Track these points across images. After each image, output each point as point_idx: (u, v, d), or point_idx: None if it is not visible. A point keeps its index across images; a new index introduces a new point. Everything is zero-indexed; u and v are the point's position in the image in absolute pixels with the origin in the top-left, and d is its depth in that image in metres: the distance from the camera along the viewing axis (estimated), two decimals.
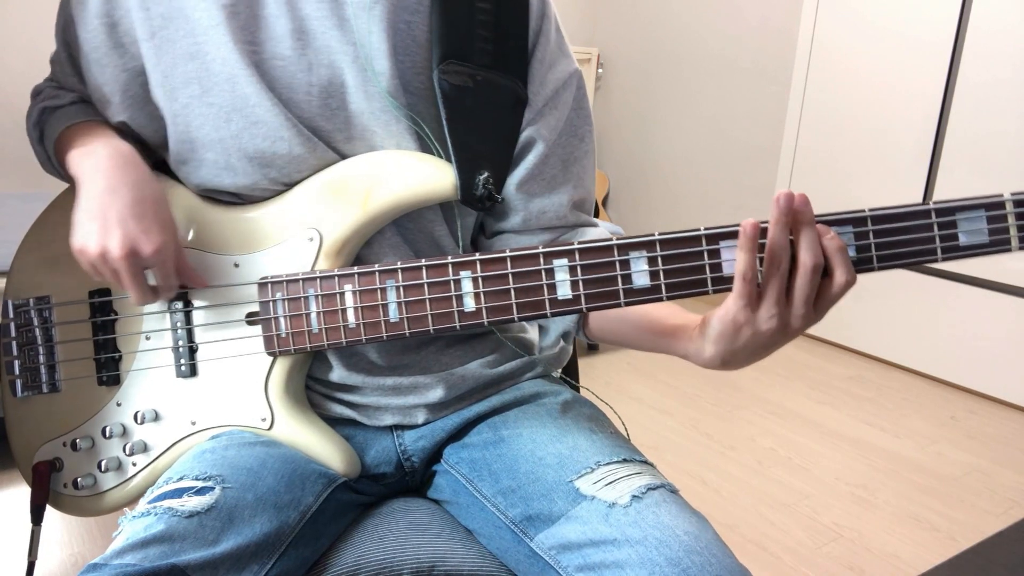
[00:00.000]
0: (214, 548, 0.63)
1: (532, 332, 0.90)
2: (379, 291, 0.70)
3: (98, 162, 0.72)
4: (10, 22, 2.45)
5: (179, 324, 0.77)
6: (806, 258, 0.58)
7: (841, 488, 1.93)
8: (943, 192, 2.61)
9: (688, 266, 0.63)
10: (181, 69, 0.74)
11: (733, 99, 3.29)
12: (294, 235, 0.76)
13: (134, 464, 0.79)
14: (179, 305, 0.77)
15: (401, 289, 0.70)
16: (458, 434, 0.82)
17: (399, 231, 0.79)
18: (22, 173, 2.47)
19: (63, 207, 0.82)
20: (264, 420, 0.77)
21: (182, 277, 0.74)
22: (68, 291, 0.80)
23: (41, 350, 0.80)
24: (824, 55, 2.90)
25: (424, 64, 0.76)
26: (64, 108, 0.81)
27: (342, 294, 0.72)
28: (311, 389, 0.81)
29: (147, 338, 0.79)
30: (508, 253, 0.66)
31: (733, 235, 0.61)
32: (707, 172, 3.45)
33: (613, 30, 3.80)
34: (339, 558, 0.72)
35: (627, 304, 0.65)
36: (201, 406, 0.78)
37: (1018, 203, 0.58)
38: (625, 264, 0.64)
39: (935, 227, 0.59)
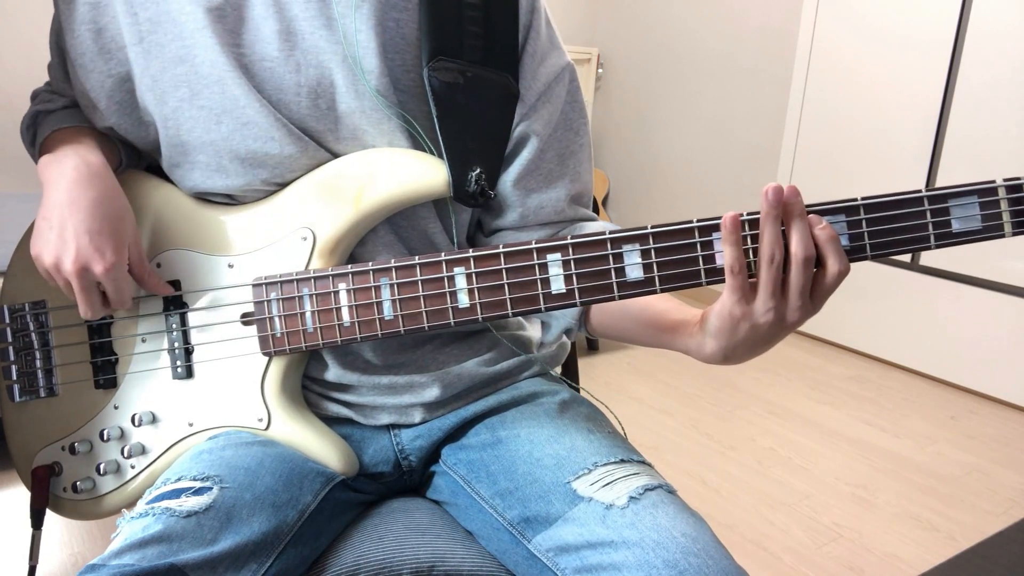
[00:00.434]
0: (212, 547, 0.63)
1: (530, 330, 0.90)
2: (373, 289, 0.70)
3: (63, 172, 0.73)
4: (10, 23, 2.45)
5: (175, 326, 0.77)
6: (797, 250, 0.58)
7: (841, 488, 1.93)
8: None
9: (681, 258, 0.63)
10: (170, 73, 0.74)
11: (733, 99, 3.29)
12: (287, 235, 0.76)
13: (132, 467, 0.79)
14: (174, 307, 0.77)
15: (395, 287, 0.70)
16: (456, 434, 0.82)
17: (393, 229, 0.79)
18: (22, 173, 2.47)
19: None
20: (261, 420, 0.77)
21: (146, 286, 0.76)
22: (64, 295, 0.80)
23: (38, 354, 0.80)
24: (824, 55, 2.90)
25: (413, 62, 0.76)
26: (55, 113, 0.82)
27: (336, 293, 0.72)
28: (307, 388, 0.81)
29: (143, 340, 0.79)
30: (501, 249, 0.67)
31: None
32: (707, 172, 3.45)
33: (613, 30, 3.80)
34: (338, 558, 0.72)
35: (621, 297, 0.65)
36: (198, 407, 0.78)
37: (1011, 189, 0.58)
38: (618, 257, 0.64)
39: (928, 214, 0.59)
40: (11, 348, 0.80)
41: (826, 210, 0.60)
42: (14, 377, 0.80)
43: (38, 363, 0.80)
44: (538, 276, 0.66)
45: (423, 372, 0.81)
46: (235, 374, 0.77)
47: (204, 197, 0.79)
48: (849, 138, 2.85)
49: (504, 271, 0.67)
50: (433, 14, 0.75)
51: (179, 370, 0.78)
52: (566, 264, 0.65)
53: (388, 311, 0.70)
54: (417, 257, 0.69)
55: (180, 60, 0.74)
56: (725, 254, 0.59)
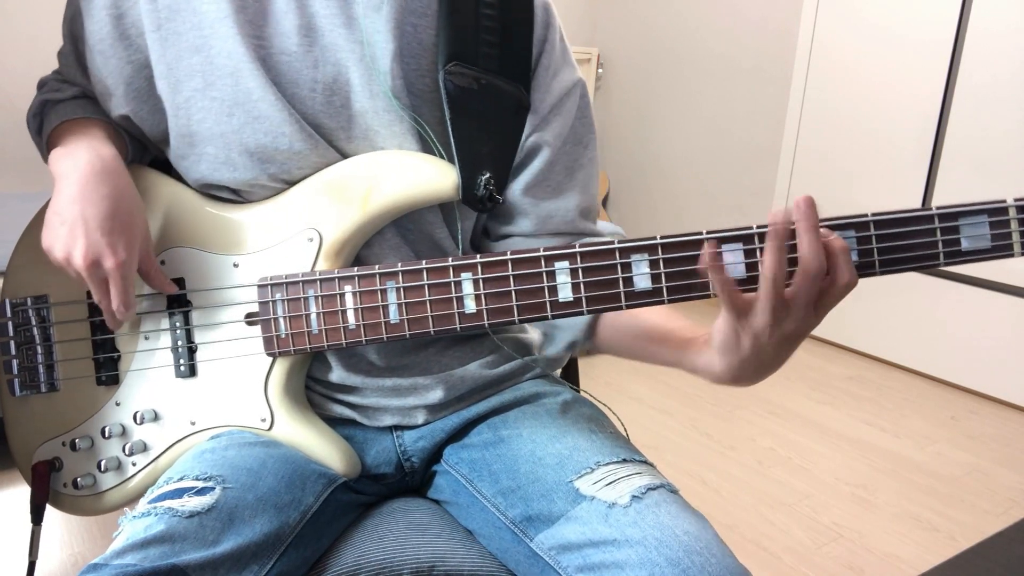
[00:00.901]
0: (214, 548, 0.63)
1: (531, 333, 0.90)
2: (379, 292, 0.70)
3: (76, 165, 0.72)
4: (10, 22, 2.45)
5: (178, 324, 0.77)
6: (810, 261, 0.58)
7: (841, 488, 1.93)
8: (943, 192, 2.61)
9: (690, 269, 0.63)
10: (185, 62, 0.74)
11: (733, 99, 3.29)
12: (294, 235, 0.76)
13: (134, 464, 0.79)
14: (178, 305, 0.77)
15: (402, 290, 0.70)
16: (458, 434, 0.82)
17: (399, 232, 0.79)
18: (22, 173, 2.47)
19: None
20: (264, 420, 0.77)
21: (152, 283, 0.76)
22: (66, 290, 0.80)
23: (39, 349, 0.80)
24: (824, 55, 2.90)
25: (428, 67, 0.76)
26: (64, 102, 0.81)
27: (342, 295, 0.72)
28: (311, 389, 0.81)
29: (146, 338, 0.79)
30: (509, 255, 0.67)
31: (735, 239, 0.61)
32: (707, 172, 3.45)
33: (613, 30, 3.80)
34: (339, 558, 0.72)
35: (628, 307, 0.64)
36: (200, 406, 0.78)
37: (1021, 208, 0.58)
38: (627, 267, 0.64)
39: (938, 232, 0.59)
40: (12, 342, 0.80)
41: (836, 225, 0.60)
42: (15, 372, 0.80)
43: (39, 358, 0.80)
44: (545, 284, 0.66)
45: (426, 374, 0.81)
46: (239, 374, 0.77)
47: (209, 193, 0.79)
48: (849, 138, 2.85)
49: (511, 278, 0.67)
50: (452, 21, 0.76)
51: (182, 368, 0.78)
52: (574, 272, 0.65)
53: (394, 315, 0.70)
54: (424, 261, 0.69)
55: (196, 50, 0.74)
56: (712, 280, 0.59)
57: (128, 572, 0.59)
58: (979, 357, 2.56)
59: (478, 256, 0.67)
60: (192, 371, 0.78)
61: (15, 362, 0.80)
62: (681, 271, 0.63)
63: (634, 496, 0.67)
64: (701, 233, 0.62)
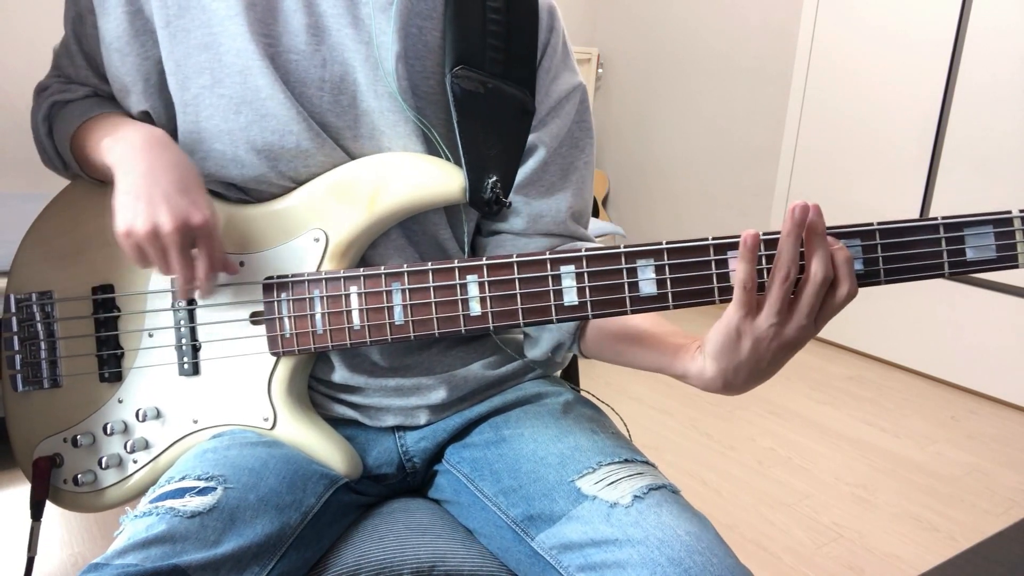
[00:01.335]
0: (216, 549, 0.63)
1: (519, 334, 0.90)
2: (384, 294, 0.70)
3: (133, 145, 0.72)
4: (10, 22, 2.45)
5: (182, 322, 0.77)
6: (817, 270, 0.58)
7: (841, 488, 1.93)
8: (943, 192, 2.61)
9: (695, 275, 0.63)
10: (194, 59, 0.74)
11: (733, 99, 3.29)
12: (300, 235, 0.76)
13: (135, 461, 0.79)
14: (183, 303, 0.77)
15: (407, 292, 0.70)
16: (460, 434, 0.82)
17: (404, 234, 0.79)
18: (22, 173, 2.47)
19: (67, 203, 0.82)
20: (266, 420, 0.77)
21: (218, 252, 0.72)
22: (70, 287, 0.80)
23: (43, 345, 0.80)
24: (824, 55, 2.91)
25: (433, 69, 0.77)
26: (77, 102, 0.81)
27: (347, 296, 0.72)
28: (313, 389, 0.81)
29: (150, 335, 0.79)
30: (515, 259, 0.67)
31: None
32: (707, 172, 3.45)
33: (613, 30, 3.80)
34: (339, 558, 0.72)
35: (633, 312, 0.64)
36: (203, 405, 0.78)
37: None
38: (632, 272, 0.64)
39: (943, 242, 0.60)
40: (16, 338, 0.80)
41: (841, 233, 0.60)
42: (18, 367, 0.80)
43: (43, 353, 0.80)
44: (551, 287, 0.66)
45: (429, 375, 0.81)
46: (242, 373, 0.77)
47: (216, 192, 0.79)
48: (849, 138, 2.85)
49: (517, 281, 0.67)
50: (458, 23, 0.76)
51: (185, 366, 0.78)
52: (579, 276, 0.65)
53: (399, 316, 0.70)
54: (430, 263, 0.69)
55: (204, 47, 0.74)
56: (739, 270, 0.59)
57: (129, 572, 0.59)
58: (979, 357, 2.56)
59: (484, 258, 0.67)
60: (195, 369, 0.78)
61: (18, 358, 0.80)
62: (686, 277, 0.63)
63: (636, 496, 0.67)
64: (707, 239, 0.62)
